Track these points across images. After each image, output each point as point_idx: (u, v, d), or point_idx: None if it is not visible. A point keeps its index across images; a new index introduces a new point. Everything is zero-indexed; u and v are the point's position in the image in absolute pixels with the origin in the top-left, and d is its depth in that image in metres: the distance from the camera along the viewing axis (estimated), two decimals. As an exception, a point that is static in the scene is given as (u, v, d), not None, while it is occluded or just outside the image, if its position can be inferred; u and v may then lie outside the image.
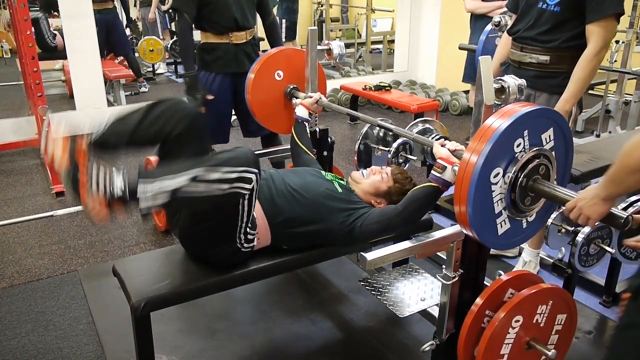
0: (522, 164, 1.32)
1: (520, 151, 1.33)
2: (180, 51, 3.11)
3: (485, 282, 1.64)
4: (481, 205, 1.32)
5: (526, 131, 1.32)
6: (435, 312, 1.74)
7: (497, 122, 1.28)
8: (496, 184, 1.33)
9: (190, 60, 2.82)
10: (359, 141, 2.64)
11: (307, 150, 2.29)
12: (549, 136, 1.37)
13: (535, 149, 1.34)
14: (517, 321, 1.46)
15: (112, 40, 6.12)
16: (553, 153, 1.39)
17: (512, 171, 1.32)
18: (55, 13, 5.83)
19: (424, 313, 1.87)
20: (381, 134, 2.68)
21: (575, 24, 2.06)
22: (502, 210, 1.38)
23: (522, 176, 1.33)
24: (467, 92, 5.22)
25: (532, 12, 2.16)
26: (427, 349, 1.67)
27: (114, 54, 6.37)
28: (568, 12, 2.06)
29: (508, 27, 2.35)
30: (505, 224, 1.40)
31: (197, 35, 3.04)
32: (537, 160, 1.34)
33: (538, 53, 2.16)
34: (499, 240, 1.42)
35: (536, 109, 1.32)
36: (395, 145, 2.59)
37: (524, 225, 1.46)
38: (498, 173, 1.32)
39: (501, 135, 1.27)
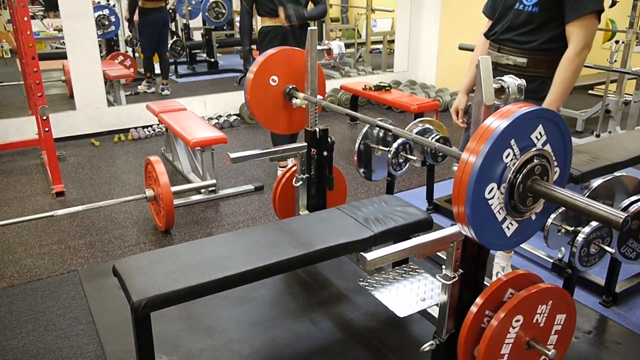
0: (520, 165, 1.32)
1: (519, 152, 1.33)
2: (240, 31, 3.75)
3: (485, 282, 1.64)
4: (480, 206, 1.32)
5: (525, 132, 1.32)
6: (435, 312, 1.73)
7: (496, 123, 1.28)
8: (495, 184, 1.32)
9: (245, 39, 3.54)
10: (359, 141, 2.64)
11: None
12: (548, 137, 1.37)
13: (533, 149, 1.34)
14: (517, 321, 1.46)
15: (162, 38, 6.17)
16: (551, 154, 1.39)
17: (511, 172, 1.32)
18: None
19: (424, 313, 1.87)
20: (381, 134, 2.68)
21: (554, 25, 2.01)
22: (501, 211, 1.38)
23: (520, 177, 1.32)
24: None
25: (510, 14, 2.11)
26: (427, 349, 1.67)
27: (157, 51, 6.26)
28: (546, 12, 2.01)
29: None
30: (504, 224, 1.40)
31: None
32: (536, 160, 1.34)
33: (515, 55, 2.11)
34: (498, 241, 1.42)
35: (535, 109, 1.32)
36: (395, 145, 2.59)
37: (523, 225, 1.46)
38: (497, 173, 1.32)
39: (500, 135, 1.26)
